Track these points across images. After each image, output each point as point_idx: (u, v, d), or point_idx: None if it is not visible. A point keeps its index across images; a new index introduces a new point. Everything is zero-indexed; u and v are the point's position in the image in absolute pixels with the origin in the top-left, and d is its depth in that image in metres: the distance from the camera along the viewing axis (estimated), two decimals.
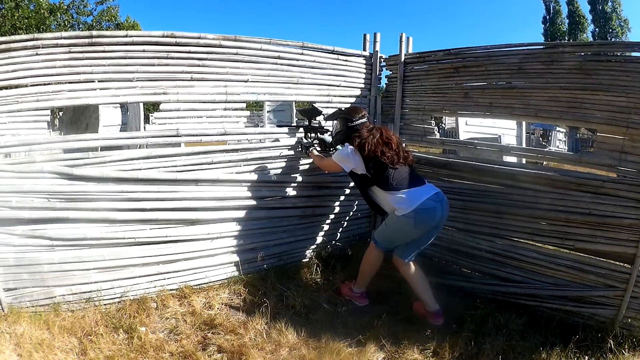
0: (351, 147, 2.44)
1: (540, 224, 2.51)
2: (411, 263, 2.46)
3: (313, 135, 2.87)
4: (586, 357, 2.07)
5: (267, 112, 9.44)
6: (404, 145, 2.55)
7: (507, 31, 60.16)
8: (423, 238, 2.42)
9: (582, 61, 2.40)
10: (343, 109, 2.81)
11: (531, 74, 2.54)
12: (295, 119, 8.41)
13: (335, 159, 2.52)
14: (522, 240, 2.60)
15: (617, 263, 2.29)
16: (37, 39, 2.29)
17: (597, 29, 28.14)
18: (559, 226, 2.43)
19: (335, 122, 2.66)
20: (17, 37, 2.30)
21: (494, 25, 65.49)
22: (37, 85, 2.30)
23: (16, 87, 2.31)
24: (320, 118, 2.94)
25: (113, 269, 2.36)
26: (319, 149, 2.85)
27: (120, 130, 5.63)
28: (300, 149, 2.90)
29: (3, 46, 2.23)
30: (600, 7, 27.94)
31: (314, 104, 3.00)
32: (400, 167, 2.40)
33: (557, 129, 15.45)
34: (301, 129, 2.97)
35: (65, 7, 8.87)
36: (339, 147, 2.68)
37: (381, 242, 2.51)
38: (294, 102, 3.19)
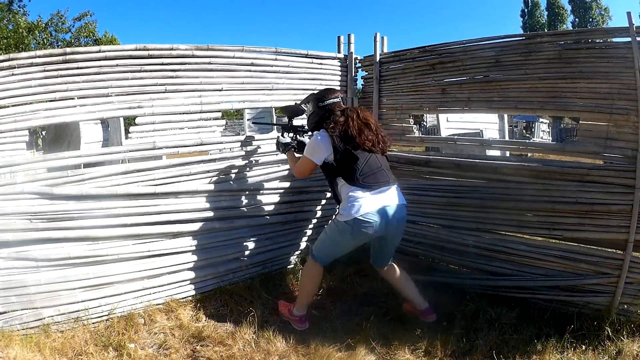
0: (321, 131, 2.19)
1: (526, 216, 2.48)
2: (393, 265, 2.38)
3: (292, 135, 2.64)
4: (583, 347, 2.04)
5: (247, 120, 9.39)
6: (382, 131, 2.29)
7: (484, 26, 60.30)
8: (381, 246, 2.27)
9: (561, 50, 2.38)
10: (317, 91, 2.54)
11: (509, 66, 2.51)
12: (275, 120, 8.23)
13: (306, 154, 2.23)
14: (509, 233, 2.57)
15: (609, 250, 2.26)
16: (12, 59, 2.27)
17: (576, 19, 27.78)
18: (546, 217, 2.40)
19: (308, 105, 2.44)
20: None
21: (471, 22, 65.56)
22: (15, 105, 2.29)
23: None
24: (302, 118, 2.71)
25: (99, 287, 2.33)
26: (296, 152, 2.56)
27: (103, 146, 5.61)
28: (277, 148, 2.68)
29: None
30: None
31: (297, 103, 2.80)
32: (374, 156, 2.14)
33: (540, 120, 15.40)
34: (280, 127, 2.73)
35: (44, 25, 8.85)
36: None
37: (320, 255, 2.28)
38: (273, 109, 3.11)
